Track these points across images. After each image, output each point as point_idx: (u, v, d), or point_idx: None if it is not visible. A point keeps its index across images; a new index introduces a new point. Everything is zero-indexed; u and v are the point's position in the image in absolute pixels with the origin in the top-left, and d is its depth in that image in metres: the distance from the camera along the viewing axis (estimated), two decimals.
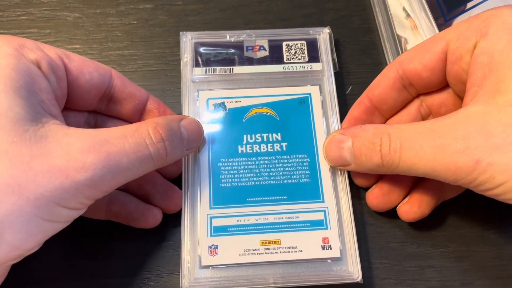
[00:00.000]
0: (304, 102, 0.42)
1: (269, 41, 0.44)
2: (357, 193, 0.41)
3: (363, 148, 0.34)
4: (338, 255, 0.36)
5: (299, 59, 0.44)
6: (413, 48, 0.37)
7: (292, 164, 0.39)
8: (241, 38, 0.44)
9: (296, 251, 0.36)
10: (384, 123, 0.40)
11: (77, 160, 0.28)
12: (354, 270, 0.36)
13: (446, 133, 0.30)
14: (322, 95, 0.42)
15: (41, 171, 0.27)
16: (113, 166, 0.30)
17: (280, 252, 0.36)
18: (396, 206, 0.39)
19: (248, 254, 0.36)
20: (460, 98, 0.37)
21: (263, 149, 0.40)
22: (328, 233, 0.37)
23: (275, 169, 0.39)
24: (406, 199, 0.39)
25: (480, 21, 0.32)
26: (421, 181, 0.39)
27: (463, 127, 0.29)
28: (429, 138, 0.30)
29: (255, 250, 0.36)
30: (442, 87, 0.38)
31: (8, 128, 0.27)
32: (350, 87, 0.45)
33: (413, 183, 0.39)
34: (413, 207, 0.38)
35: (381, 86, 0.38)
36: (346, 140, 0.35)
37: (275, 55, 0.44)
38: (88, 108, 0.37)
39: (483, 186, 0.30)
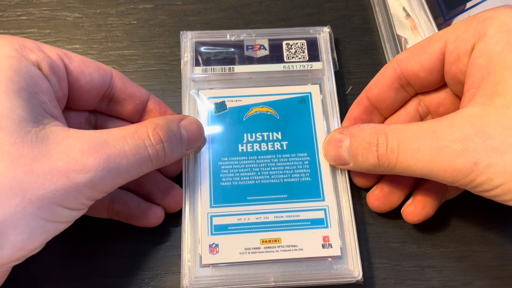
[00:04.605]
0: (304, 101, 0.42)
1: (269, 40, 0.44)
2: (358, 193, 0.41)
3: (359, 148, 0.34)
4: (339, 253, 0.36)
5: (299, 58, 0.44)
6: (410, 48, 0.37)
7: (292, 162, 0.39)
8: (241, 38, 0.44)
9: (296, 250, 0.36)
10: (383, 122, 0.41)
11: (78, 162, 0.29)
12: (354, 269, 0.36)
13: (444, 135, 0.30)
14: (322, 94, 0.42)
15: (43, 172, 0.27)
16: (113, 168, 0.30)
17: (281, 250, 0.36)
18: (396, 207, 0.39)
19: (249, 252, 0.36)
20: (458, 97, 0.37)
21: (264, 148, 0.40)
22: (328, 232, 0.37)
23: (276, 168, 0.39)
24: (409, 201, 0.39)
25: (478, 22, 0.32)
26: (423, 181, 0.39)
27: (461, 129, 0.29)
28: (427, 139, 0.30)
29: (256, 248, 0.36)
30: (440, 86, 0.38)
31: (10, 129, 0.27)
32: (350, 87, 0.45)
33: (414, 184, 0.39)
34: (417, 209, 0.38)
35: (379, 85, 0.38)
36: (344, 140, 0.36)
37: (275, 54, 0.44)
38: (89, 108, 0.37)
39: (481, 188, 0.30)
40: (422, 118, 0.39)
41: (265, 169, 0.39)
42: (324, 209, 0.38)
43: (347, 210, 0.38)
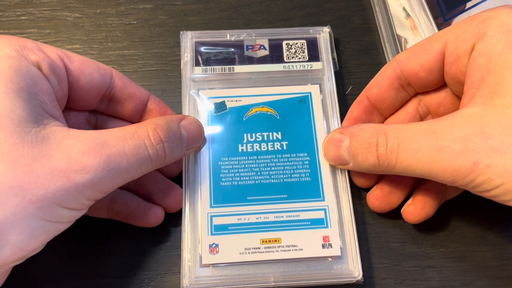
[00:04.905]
0: (304, 101, 0.42)
1: (269, 40, 0.44)
2: (357, 193, 0.41)
3: (359, 147, 0.34)
4: (339, 253, 0.36)
5: (299, 58, 0.44)
6: (410, 48, 0.37)
7: (292, 162, 0.39)
8: (241, 37, 0.44)
9: (296, 250, 0.36)
10: (383, 122, 0.41)
11: (78, 162, 0.29)
12: (354, 269, 0.36)
13: (444, 135, 0.30)
14: (322, 94, 0.42)
15: (43, 173, 0.27)
16: (113, 168, 0.30)
17: (281, 250, 0.36)
18: (397, 207, 0.39)
19: (249, 252, 0.36)
20: (458, 97, 0.37)
21: (264, 148, 0.40)
22: (328, 232, 0.37)
23: (276, 168, 0.39)
24: (409, 201, 0.39)
25: (478, 22, 0.32)
26: (423, 181, 0.39)
27: (461, 129, 0.29)
28: (426, 139, 0.30)
29: (256, 248, 0.36)
30: (440, 86, 0.38)
31: (11, 129, 0.27)
32: (350, 87, 0.45)
33: (414, 184, 0.39)
34: (417, 209, 0.38)
35: (379, 85, 0.38)
36: (344, 139, 0.36)
37: (275, 54, 0.44)
38: (89, 108, 0.37)
39: (481, 188, 0.30)
40: (422, 118, 0.39)
41: (265, 169, 0.39)
42: (324, 209, 0.38)
43: (347, 210, 0.38)
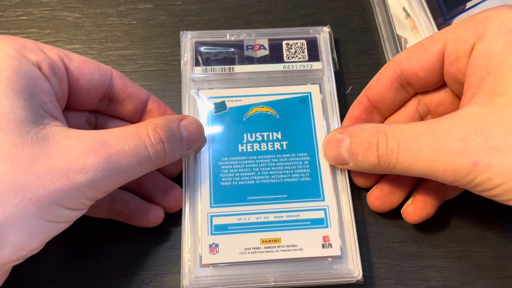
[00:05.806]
0: (304, 101, 0.42)
1: (269, 40, 0.44)
2: (357, 193, 0.41)
3: (360, 147, 0.34)
4: (339, 253, 0.36)
5: (299, 58, 0.44)
6: (410, 48, 0.37)
7: (292, 162, 0.39)
8: (241, 37, 0.44)
9: (296, 250, 0.36)
10: (383, 122, 0.41)
11: (78, 162, 0.29)
12: (354, 269, 0.36)
13: (444, 134, 0.30)
14: (322, 94, 0.42)
15: (43, 173, 0.27)
16: (113, 168, 0.30)
17: (281, 250, 0.36)
18: (397, 207, 0.39)
19: (249, 252, 0.36)
20: (458, 97, 0.37)
21: (264, 147, 0.40)
22: (328, 232, 0.37)
23: (276, 168, 0.39)
24: (409, 201, 0.39)
25: (477, 22, 0.32)
26: (423, 181, 0.39)
27: (461, 128, 0.29)
28: (427, 139, 0.31)
29: (256, 248, 0.36)
30: (440, 86, 0.38)
31: (10, 129, 0.27)
32: (350, 87, 0.45)
33: (414, 183, 0.39)
34: (417, 209, 0.38)
35: (379, 85, 0.38)
36: (344, 139, 0.36)
37: (275, 54, 0.44)
38: (89, 108, 0.37)
39: (481, 187, 0.30)
40: (422, 118, 0.39)
41: (265, 169, 0.39)
42: (324, 209, 0.38)
43: (347, 210, 0.38)
